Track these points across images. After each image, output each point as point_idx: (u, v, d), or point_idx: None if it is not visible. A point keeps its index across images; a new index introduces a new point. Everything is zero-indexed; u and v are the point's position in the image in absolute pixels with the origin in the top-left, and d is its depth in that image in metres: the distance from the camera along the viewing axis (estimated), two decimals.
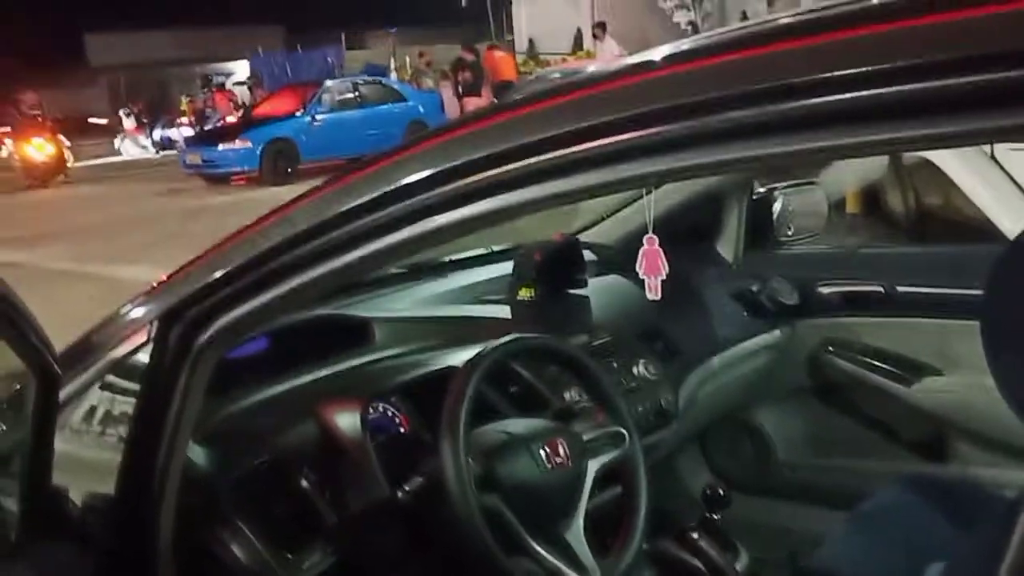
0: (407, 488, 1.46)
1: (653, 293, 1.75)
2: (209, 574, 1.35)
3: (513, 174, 0.90)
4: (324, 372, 1.69)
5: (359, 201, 1.02)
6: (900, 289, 2.38)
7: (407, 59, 24.33)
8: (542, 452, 1.48)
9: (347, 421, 1.53)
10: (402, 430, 1.65)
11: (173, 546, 1.25)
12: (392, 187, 0.99)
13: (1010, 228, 2.95)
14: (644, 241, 1.75)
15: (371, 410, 1.60)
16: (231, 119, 17.28)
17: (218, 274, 1.15)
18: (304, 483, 1.44)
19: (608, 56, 14.99)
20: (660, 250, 1.72)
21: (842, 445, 2.54)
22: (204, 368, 1.20)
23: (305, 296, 1.16)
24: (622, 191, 1.72)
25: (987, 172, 3.11)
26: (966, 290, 2.24)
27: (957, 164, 3.22)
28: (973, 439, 2.28)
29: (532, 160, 0.88)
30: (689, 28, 20.76)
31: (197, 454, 1.39)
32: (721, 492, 1.72)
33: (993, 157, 3.12)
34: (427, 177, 0.96)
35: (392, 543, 1.49)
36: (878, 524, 1.81)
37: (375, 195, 1.00)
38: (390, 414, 1.64)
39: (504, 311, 2.14)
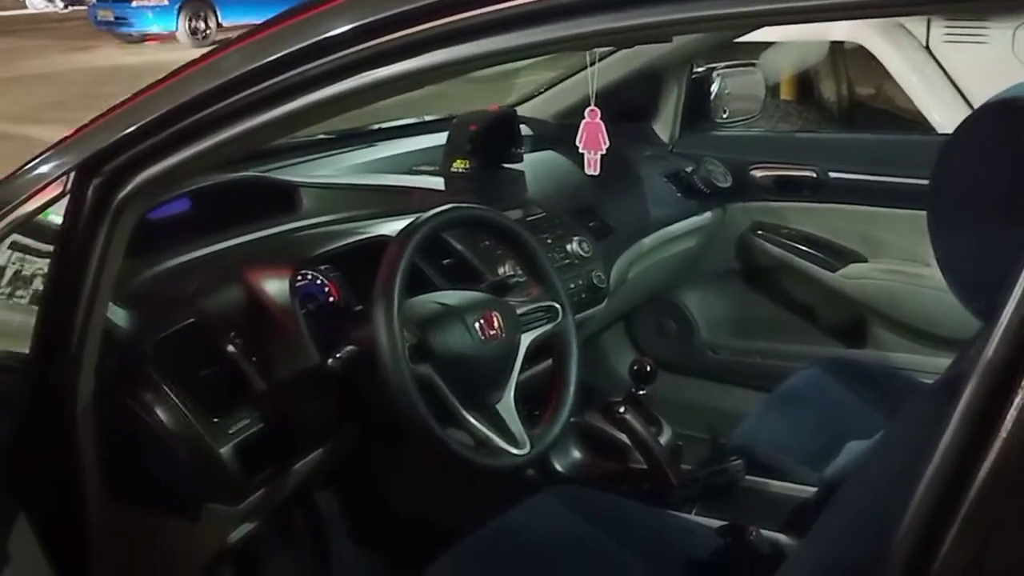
0: (337, 356, 1.44)
1: (592, 168, 1.72)
2: (132, 436, 1.31)
3: (455, 26, 0.84)
4: (250, 236, 1.64)
5: (288, 50, 0.95)
6: (832, 175, 2.40)
7: None
8: (477, 324, 1.46)
9: (275, 287, 1.49)
10: (332, 299, 1.61)
11: (94, 408, 1.21)
12: (323, 37, 0.92)
13: (938, 119, 2.99)
14: (585, 114, 1.70)
15: (299, 277, 1.56)
16: None
17: (141, 125, 1.07)
18: (231, 348, 1.40)
19: None
20: (601, 124, 1.69)
21: (765, 327, 2.59)
22: (125, 225, 1.13)
23: (231, 151, 1.09)
24: (580, 49, 1.66)
25: (920, 63, 3.12)
26: (895, 178, 2.27)
27: (892, 53, 3.22)
28: (892, 325, 2.35)
29: (473, 13, 0.82)
30: None
31: (119, 316, 1.34)
32: (648, 368, 1.74)
33: (927, 48, 3.12)
34: (362, 26, 0.90)
35: (321, 410, 1.48)
36: (796, 404, 1.86)
37: (305, 44, 0.94)
38: (319, 282, 1.60)
39: (436, 182, 2.08)
